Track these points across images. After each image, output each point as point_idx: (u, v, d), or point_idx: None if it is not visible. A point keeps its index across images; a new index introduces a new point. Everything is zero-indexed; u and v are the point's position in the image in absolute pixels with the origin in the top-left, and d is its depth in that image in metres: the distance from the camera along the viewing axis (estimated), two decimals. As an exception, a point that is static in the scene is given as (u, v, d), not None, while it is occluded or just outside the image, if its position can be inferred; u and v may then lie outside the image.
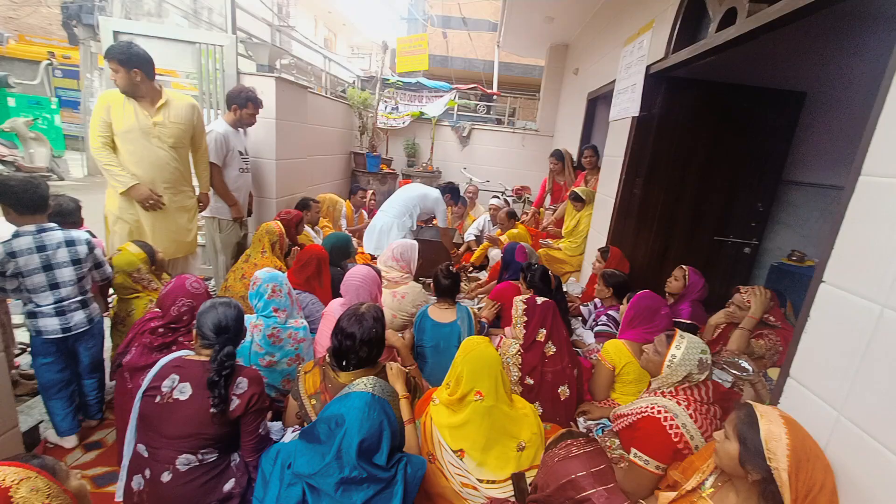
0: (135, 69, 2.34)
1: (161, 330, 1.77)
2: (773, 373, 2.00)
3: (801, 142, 3.23)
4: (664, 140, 3.06)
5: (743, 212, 3.30)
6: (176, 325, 1.79)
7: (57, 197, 2.11)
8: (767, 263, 3.45)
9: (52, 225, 1.81)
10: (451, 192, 4.29)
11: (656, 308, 2.18)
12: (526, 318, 2.08)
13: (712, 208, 3.27)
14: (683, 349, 1.59)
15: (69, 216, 2.20)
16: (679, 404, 1.53)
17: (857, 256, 1.13)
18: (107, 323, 2.19)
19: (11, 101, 8.47)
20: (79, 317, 1.84)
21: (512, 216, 4.25)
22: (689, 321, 2.55)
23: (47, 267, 1.74)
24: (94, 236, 2.21)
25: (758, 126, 3.11)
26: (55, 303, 1.77)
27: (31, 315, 1.78)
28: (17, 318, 2.46)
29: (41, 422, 1.97)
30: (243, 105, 2.98)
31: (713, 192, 3.23)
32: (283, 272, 2.24)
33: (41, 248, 1.72)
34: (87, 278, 1.89)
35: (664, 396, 1.59)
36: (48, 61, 9.22)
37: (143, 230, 2.54)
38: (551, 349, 2.03)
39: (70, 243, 1.80)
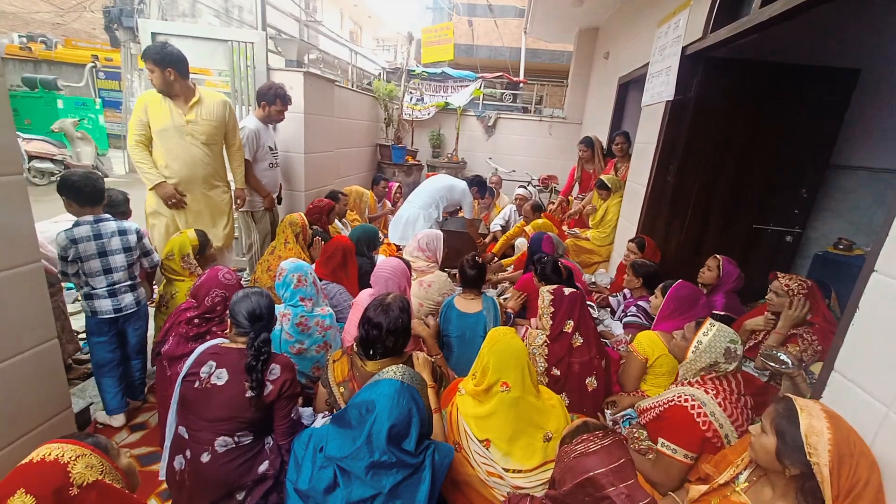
0: (168, 68, 2.43)
1: (196, 320, 1.85)
2: (816, 368, 1.90)
3: (852, 123, 3.01)
4: (700, 125, 2.92)
5: (785, 198, 3.13)
6: (210, 316, 1.87)
7: (107, 190, 2.24)
8: (811, 253, 3.26)
9: (108, 216, 1.97)
10: (478, 185, 4.28)
11: (695, 297, 2.12)
12: (553, 309, 2.05)
13: (751, 195, 3.11)
14: (710, 336, 1.57)
15: (118, 206, 2.38)
16: (707, 393, 1.49)
17: (914, 244, 1.06)
18: (151, 311, 2.33)
19: (60, 104, 9.00)
20: (128, 299, 2.00)
21: (537, 209, 4.19)
22: (723, 313, 2.46)
23: (102, 253, 1.91)
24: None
25: (805, 107, 2.92)
26: (108, 286, 1.94)
27: (88, 297, 1.94)
28: (71, 307, 2.65)
29: (91, 403, 2.12)
30: (272, 102, 3.05)
31: (753, 179, 3.06)
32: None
33: (98, 237, 1.90)
34: (136, 265, 2.05)
35: (692, 386, 1.55)
36: (92, 64, 9.73)
37: (178, 224, 2.65)
38: (578, 340, 2.01)
39: (122, 233, 1.97)
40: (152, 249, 2.17)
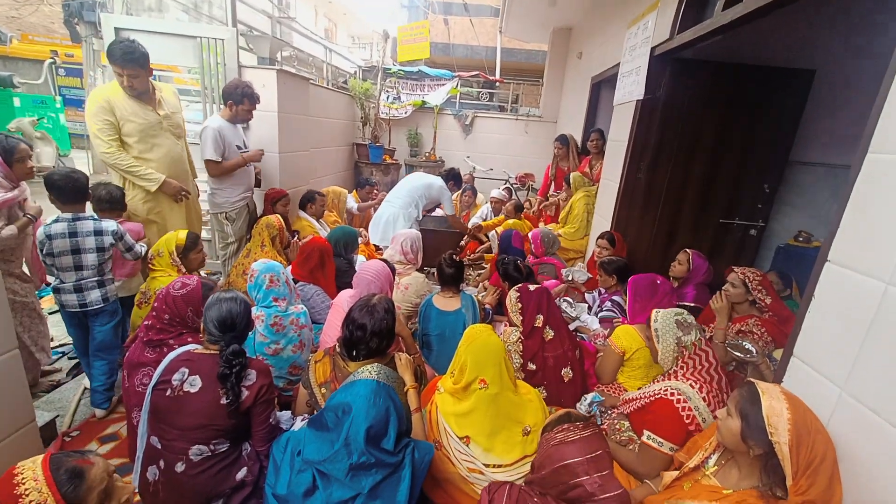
0: (147, 68, 2.36)
1: (156, 326, 1.76)
2: (778, 354, 1.99)
3: (810, 121, 3.16)
4: (669, 123, 3.02)
5: (749, 194, 3.26)
6: (163, 327, 1.76)
7: (106, 185, 2.29)
8: (774, 245, 3.41)
9: (88, 215, 2.05)
10: (453, 178, 4.29)
11: (651, 281, 2.22)
12: (521, 306, 2.09)
13: (718, 191, 3.22)
14: (660, 319, 1.70)
15: (117, 203, 2.33)
16: (692, 387, 1.55)
17: (863, 234, 1.12)
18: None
19: (17, 102, 8.54)
20: (94, 295, 2.05)
21: (519, 209, 4.26)
22: (692, 304, 2.55)
23: (75, 251, 1.99)
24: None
25: (766, 106, 3.05)
26: (75, 281, 2.01)
27: (56, 290, 2.02)
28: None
29: (57, 416, 2.04)
30: (239, 101, 2.93)
31: (719, 175, 3.18)
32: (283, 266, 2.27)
33: (73, 234, 1.98)
34: (107, 263, 2.11)
35: (677, 379, 1.61)
36: (51, 60, 9.25)
37: (166, 228, 2.59)
38: (550, 333, 2.05)
39: (98, 233, 2.03)
40: (133, 244, 2.18)
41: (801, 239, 3.19)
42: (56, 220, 1.96)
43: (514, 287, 2.18)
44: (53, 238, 1.93)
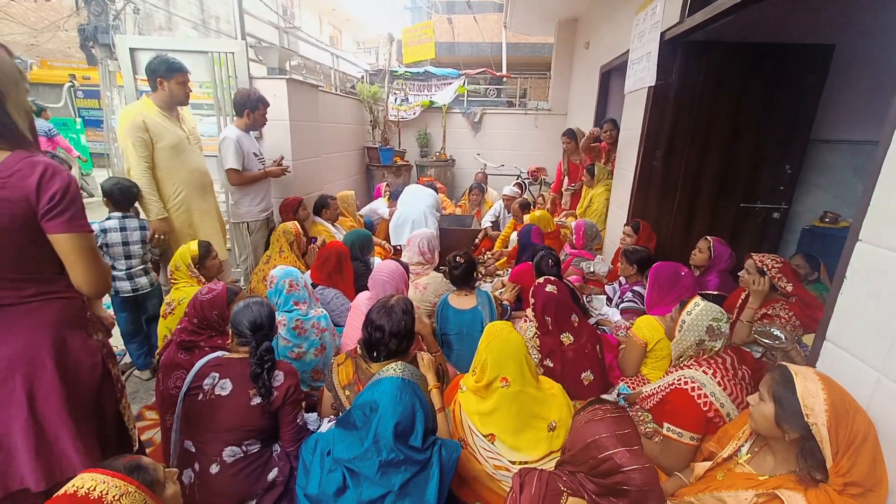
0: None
1: (188, 329, 1.81)
2: (809, 340, 1.93)
3: (831, 98, 3.06)
4: (683, 108, 2.96)
5: (770, 176, 3.17)
6: (199, 330, 1.82)
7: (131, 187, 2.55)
8: (798, 228, 3.32)
9: (132, 215, 2.48)
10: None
11: (675, 272, 2.16)
12: (533, 301, 2.10)
13: (738, 175, 3.15)
14: (694, 314, 1.61)
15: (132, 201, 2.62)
16: (706, 373, 1.52)
17: (895, 211, 1.08)
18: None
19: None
20: (143, 281, 2.47)
21: (525, 207, 4.22)
22: (716, 292, 2.49)
23: (125, 243, 2.39)
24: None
25: (784, 85, 2.96)
26: (126, 269, 2.42)
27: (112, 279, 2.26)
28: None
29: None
30: (255, 108, 3.01)
31: (738, 158, 3.11)
32: (302, 271, 2.31)
33: (123, 229, 2.39)
34: (148, 254, 2.55)
35: (690, 368, 1.58)
36: (70, 83, 9.57)
37: (180, 241, 2.66)
38: (567, 337, 2.03)
39: (143, 228, 2.46)
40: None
41: (827, 220, 3.09)
42: (108, 218, 2.39)
43: (536, 281, 2.16)
44: (107, 232, 2.36)
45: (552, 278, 2.16)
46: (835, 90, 3.04)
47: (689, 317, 1.62)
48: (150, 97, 2.55)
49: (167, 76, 2.49)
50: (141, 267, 2.47)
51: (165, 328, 2.22)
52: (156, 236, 2.57)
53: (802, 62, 2.93)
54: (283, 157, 3.36)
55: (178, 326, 1.83)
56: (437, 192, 4.50)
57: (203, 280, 2.31)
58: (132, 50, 3.30)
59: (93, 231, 1.19)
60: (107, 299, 2.68)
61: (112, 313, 2.27)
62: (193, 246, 2.33)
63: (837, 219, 3.06)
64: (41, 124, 6.99)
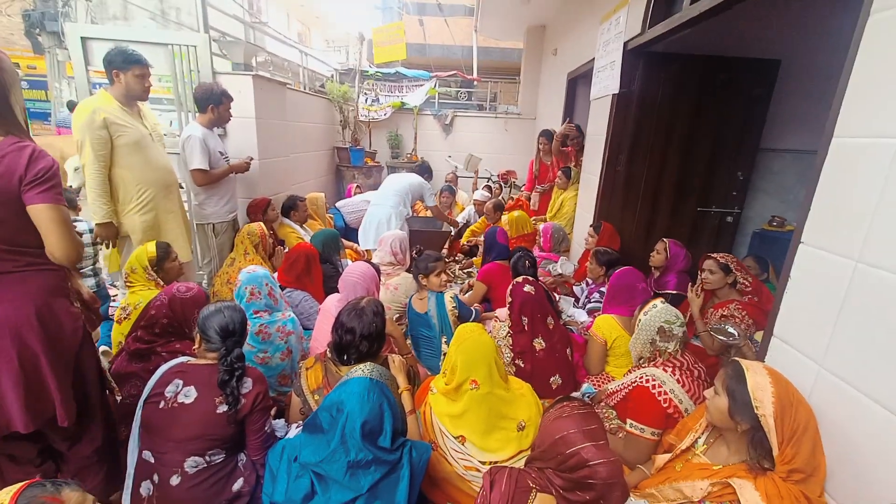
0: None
1: (144, 338, 1.74)
2: (760, 336, 2.06)
3: (777, 109, 3.28)
4: (645, 115, 3.09)
5: (724, 181, 3.36)
6: (151, 337, 1.75)
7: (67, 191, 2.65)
8: (750, 230, 3.53)
9: (81, 218, 2.67)
10: (426, 171, 4.40)
11: (633, 284, 2.24)
12: (511, 300, 2.12)
13: (695, 180, 3.32)
14: (649, 315, 1.70)
15: (71, 203, 2.81)
16: (665, 371, 1.60)
17: (832, 216, 1.18)
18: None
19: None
20: (90, 282, 2.60)
21: (499, 208, 4.28)
22: (675, 292, 2.61)
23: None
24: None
25: (735, 96, 3.15)
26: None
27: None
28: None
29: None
30: (219, 102, 2.88)
31: (695, 164, 3.27)
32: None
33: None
34: (96, 257, 2.71)
35: (652, 367, 1.66)
36: (13, 73, 8.89)
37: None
38: (540, 342, 2.07)
39: (90, 231, 2.54)
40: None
41: (774, 223, 3.30)
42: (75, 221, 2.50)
43: (513, 282, 2.20)
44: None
45: (530, 279, 2.20)
46: (781, 102, 3.26)
47: (644, 317, 1.72)
48: (109, 90, 2.39)
49: (123, 68, 2.32)
50: (90, 268, 2.59)
51: (120, 333, 2.08)
52: (106, 242, 2.42)
53: (752, 75, 3.13)
54: (251, 158, 3.26)
55: (133, 334, 1.72)
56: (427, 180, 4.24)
57: (161, 283, 2.18)
58: (84, 39, 3.12)
59: (67, 205, 1.32)
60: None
61: (90, 288, 2.11)
62: (151, 248, 2.20)
63: (784, 223, 3.27)
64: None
